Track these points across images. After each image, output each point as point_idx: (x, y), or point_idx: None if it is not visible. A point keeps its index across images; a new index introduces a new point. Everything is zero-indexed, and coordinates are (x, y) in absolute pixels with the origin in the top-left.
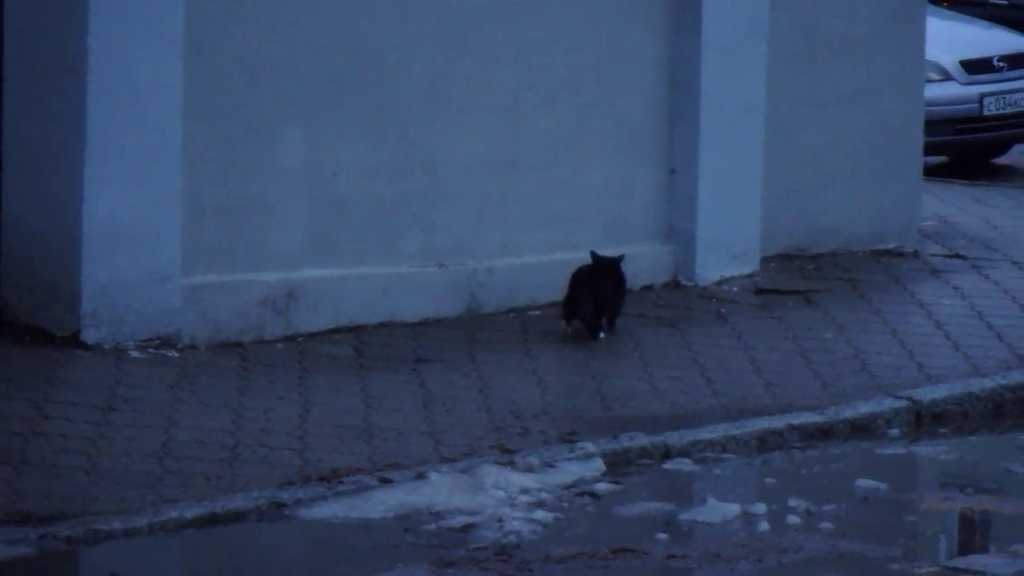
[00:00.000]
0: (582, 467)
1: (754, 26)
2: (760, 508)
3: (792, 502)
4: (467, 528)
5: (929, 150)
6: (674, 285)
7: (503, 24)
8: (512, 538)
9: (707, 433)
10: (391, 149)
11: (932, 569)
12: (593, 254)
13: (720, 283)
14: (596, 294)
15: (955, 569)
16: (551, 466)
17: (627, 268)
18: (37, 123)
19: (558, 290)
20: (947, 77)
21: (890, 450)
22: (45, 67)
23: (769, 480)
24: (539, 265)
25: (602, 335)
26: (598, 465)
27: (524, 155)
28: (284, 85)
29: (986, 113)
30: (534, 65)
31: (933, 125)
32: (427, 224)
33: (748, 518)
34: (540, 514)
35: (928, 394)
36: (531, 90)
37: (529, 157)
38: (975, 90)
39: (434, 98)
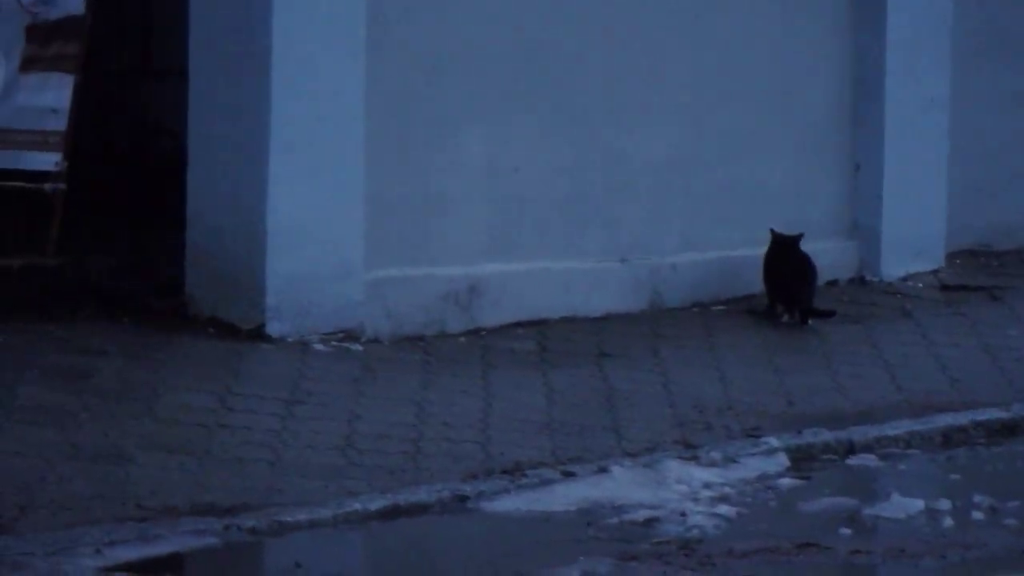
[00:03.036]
0: (765, 462)
1: (938, 21)
2: (944, 504)
3: (976, 499)
4: (649, 522)
5: None
6: (859, 281)
7: (681, 21)
8: (695, 532)
9: (891, 429)
10: (571, 146)
11: None
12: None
13: (905, 279)
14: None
15: None
16: (734, 461)
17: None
18: (221, 120)
19: (741, 286)
20: None
21: None
22: (229, 64)
23: (953, 476)
24: (722, 261)
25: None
26: (781, 460)
27: (705, 152)
28: (464, 82)
29: None
30: (714, 63)
31: None
32: (608, 220)
33: (932, 514)
34: (723, 509)
35: None
36: (711, 87)
37: (710, 154)
38: None
39: (613, 95)
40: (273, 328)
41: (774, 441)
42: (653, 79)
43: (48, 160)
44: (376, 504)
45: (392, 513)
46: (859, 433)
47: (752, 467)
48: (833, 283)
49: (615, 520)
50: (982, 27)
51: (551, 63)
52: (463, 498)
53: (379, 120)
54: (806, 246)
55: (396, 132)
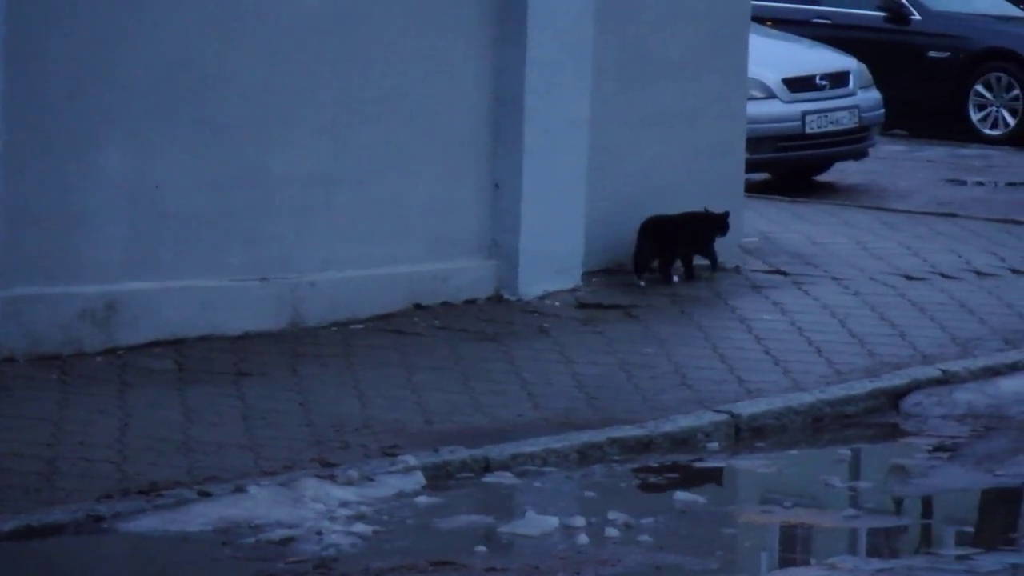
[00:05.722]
0: (403, 480)
1: (579, 42)
2: (579, 521)
3: (611, 515)
4: (286, 541)
5: (752, 167)
6: (497, 299)
7: (327, 37)
8: (331, 551)
9: (528, 447)
10: (215, 162)
11: None
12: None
13: (543, 298)
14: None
15: None
16: (371, 480)
17: (454, 282)
18: None
19: (381, 304)
20: (770, 95)
21: (709, 464)
22: None
23: (589, 493)
24: (361, 279)
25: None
26: (419, 479)
27: (348, 169)
28: (106, 96)
29: (808, 131)
30: (359, 79)
31: (756, 142)
32: (250, 238)
33: (567, 531)
34: (360, 527)
35: (748, 408)
36: (356, 104)
37: (353, 171)
38: (797, 108)
39: (259, 111)
40: None
41: (411, 459)
42: (298, 96)
43: None
44: (9, 525)
45: (25, 534)
46: (496, 451)
47: (389, 485)
48: (471, 302)
49: (252, 540)
50: (626, 49)
51: (194, 78)
52: (98, 518)
53: (17, 134)
54: (442, 264)
55: (35, 147)
